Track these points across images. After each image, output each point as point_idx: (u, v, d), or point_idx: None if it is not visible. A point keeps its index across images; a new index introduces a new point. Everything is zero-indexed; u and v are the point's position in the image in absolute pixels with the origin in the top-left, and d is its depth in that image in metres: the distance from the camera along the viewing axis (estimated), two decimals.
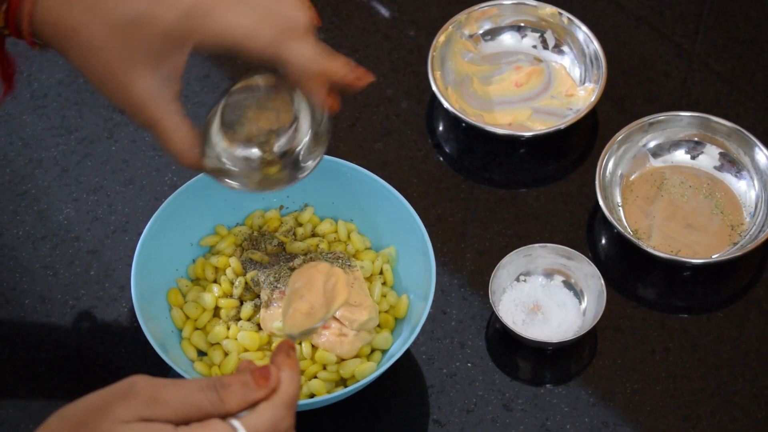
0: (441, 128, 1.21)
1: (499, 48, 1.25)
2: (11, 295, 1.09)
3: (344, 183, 1.06)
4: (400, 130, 1.20)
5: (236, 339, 1.00)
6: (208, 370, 0.99)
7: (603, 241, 1.13)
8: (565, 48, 1.23)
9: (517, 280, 1.08)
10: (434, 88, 1.18)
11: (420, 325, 0.97)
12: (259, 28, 0.88)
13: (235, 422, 0.75)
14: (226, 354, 1.00)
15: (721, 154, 1.16)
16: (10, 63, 0.94)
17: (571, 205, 1.15)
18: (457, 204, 1.15)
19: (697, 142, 1.17)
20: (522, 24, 1.25)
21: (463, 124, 1.18)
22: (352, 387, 0.96)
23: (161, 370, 0.97)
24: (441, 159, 1.18)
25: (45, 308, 1.08)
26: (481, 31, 1.24)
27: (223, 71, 1.23)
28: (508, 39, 1.25)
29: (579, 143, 1.20)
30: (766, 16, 1.29)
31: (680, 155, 1.17)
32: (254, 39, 0.88)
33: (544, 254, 1.08)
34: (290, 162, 0.91)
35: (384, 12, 1.30)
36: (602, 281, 1.05)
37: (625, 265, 1.11)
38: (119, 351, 1.06)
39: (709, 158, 1.16)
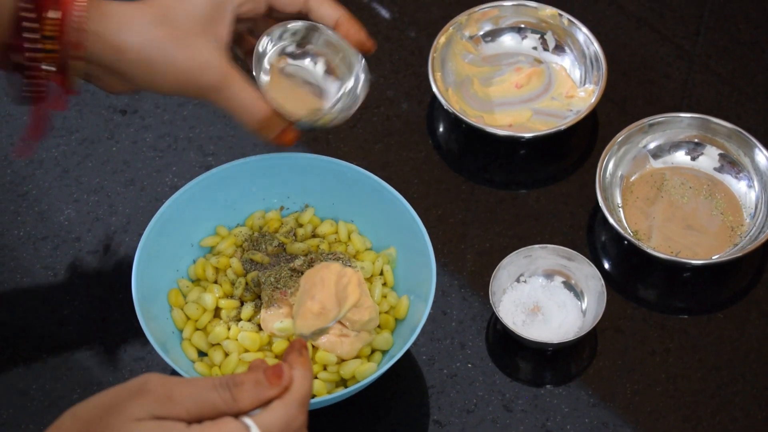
0: (441, 129, 1.21)
1: (500, 49, 1.25)
2: (12, 296, 1.09)
3: (345, 184, 1.06)
4: (400, 131, 1.20)
5: (237, 339, 1.00)
6: (208, 371, 1.00)
7: (603, 242, 1.13)
8: (565, 49, 1.23)
9: (518, 280, 1.08)
10: (435, 89, 1.18)
11: (420, 326, 0.97)
12: None
13: (248, 420, 0.76)
14: (226, 354, 1.00)
15: (721, 155, 1.16)
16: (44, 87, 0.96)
17: (572, 206, 1.16)
18: (458, 205, 1.15)
19: (697, 144, 1.17)
20: (522, 25, 1.25)
21: (464, 126, 1.18)
22: (353, 387, 0.96)
23: (162, 370, 0.98)
24: (441, 160, 1.18)
25: (46, 308, 1.08)
26: (481, 33, 1.24)
27: None
28: (508, 40, 1.25)
29: (579, 144, 1.20)
30: (766, 18, 1.29)
31: (680, 156, 1.17)
32: None
33: (544, 255, 1.08)
34: (340, 103, 1.03)
35: (384, 13, 1.30)
36: (602, 282, 1.05)
37: (625, 266, 1.12)
38: (120, 351, 1.06)
39: (709, 159, 1.16)
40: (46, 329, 1.07)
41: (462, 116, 1.16)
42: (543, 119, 1.19)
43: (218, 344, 1.01)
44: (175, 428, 0.74)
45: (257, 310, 1.02)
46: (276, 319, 1.00)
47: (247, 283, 1.03)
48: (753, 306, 1.10)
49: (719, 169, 1.16)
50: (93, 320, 1.08)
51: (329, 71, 1.04)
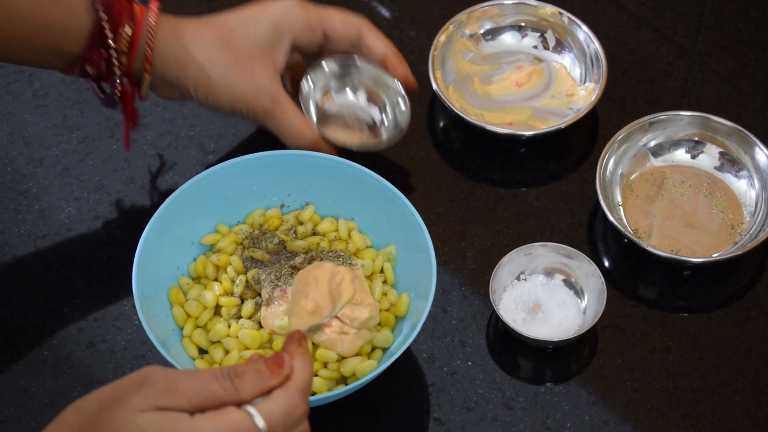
0: (441, 127, 1.21)
1: (500, 48, 1.25)
2: (12, 294, 1.09)
3: (345, 181, 1.06)
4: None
5: (237, 337, 1.00)
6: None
7: (603, 241, 1.13)
8: (565, 48, 1.23)
9: (518, 278, 1.08)
10: (435, 87, 1.18)
11: (420, 324, 0.97)
12: (346, 20, 1.10)
13: (251, 409, 0.76)
14: (227, 352, 1.00)
15: (721, 153, 1.16)
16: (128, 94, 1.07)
17: (572, 205, 1.16)
18: (458, 203, 1.15)
19: (697, 142, 1.17)
20: (523, 24, 1.25)
21: (464, 124, 1.18)
22: (353, 385, 0.96)
23: None
24: (441, 158, 1.18)
25: (46, 307, 1.09)
26: (481, 31, 1.25)
27: None
28: (508, 39, 1.25)
29: (579, 143, 1.20)
30: (766, 17, 1.29)
31: (680, 155, 1.17)
32: (344, 29, 1.10)
33: (544, 253, 1.08)
34: (387, 128, 1.13)
35: (385, 12, 1.30)
36: (602, 280, 1.05)
37: (625, 264, 1.12)
38: (121, 349, 1.06)
39: (709, 158, 1.16)
40: (46, 327, 1.08)
41: (462, 114, 1.17)
42: (543, 117, 1.19)
43: (219, 342, 1.01)
44: (178, 418, 0.75)
45: (257, 307, 1.02)
46: (276, 317, 1.00)
47: (247, 281, 1.03)
48: (753, 304, 1.10)
49: (719, 168, 1.16)
50: (93, 318, 1.08)
51: (371, 100, 1.14)
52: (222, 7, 1.29)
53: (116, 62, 1.03)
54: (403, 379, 1.05)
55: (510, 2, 1.24)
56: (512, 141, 1.19)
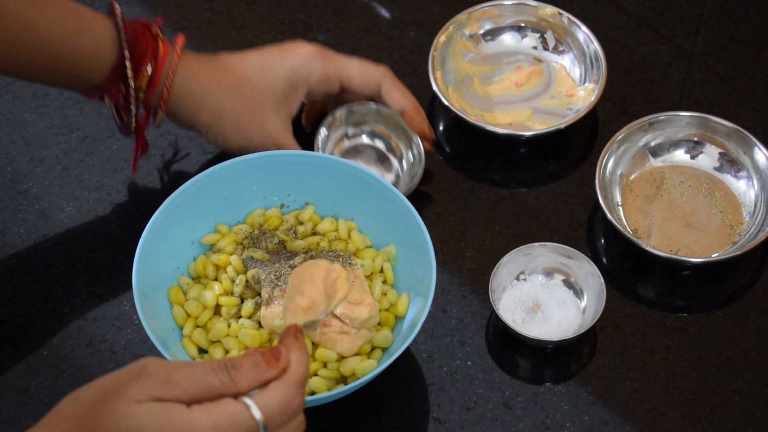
0: (441, 128, 1.21)
1: (500, 48, 1.25)
2: (13, 293, 1.09)
3: (345, 181, 1.06)
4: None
5: (237, 337, 1.00)
6: None
7: (603, 241, 1.13)
8: (565, 48, 1.24)
9: (517, 278, 1.08)
10: (435, 87, 1.18)
11: (420, 324, 0.97)
12: (365, 72, 1.12)
13: (248, 400, 0.76)
14: (226, 351, 1.01)
15: (720, 153, 1.16)
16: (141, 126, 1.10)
17: (571, 205, 1.16)
18: (458, 203, 1.15)
19: (696, 142, 1.17)
20: (522, 24, 1.25)
21: (464, 124, 1.19)
22: (353, 384, 0.96)
23: None
24: (441, 158, 1.19)
25: (46, 306, 1.09)
26: (481, 31, 1.25)
27: None
28: (508, 39, 1.25)
29: (579, 143, 1.20)
30: (766, 17, 1.29)
31: (680, 155, 1.17)
32: (362, 83, 1.12)
33: (544, 253, 1.08)
34: (402, 176, 1.15)
35: (384, 13, 1.30)
36: (602, 280, 1.06)
37: (624, 264, 1.12)
38: (121, 349, 1.07)
39: (708, 158, 1.17)
40: (46, 326, 1.08)
41: (462, 115, 1.17)
42: (543, 118, 1.19)
43: (218, 341, 1.01)
44: (175, 409, 0.75)
45: (257, 307, 1.02)
46: (276, 317, 1.00)
47: (247, 281, 1.03)
48: (752, 304, 1.10)
49: (719, 168, 1.16)
50: (93, 317, 1.08)
51: (387, 147, 1.16)
52: (221, 8, 1.29)
53: (133, 97, 1.05)
54: (403, 379, 1.05)
55: (510, 3, 1.24)
56: (512, 141, 1.19)
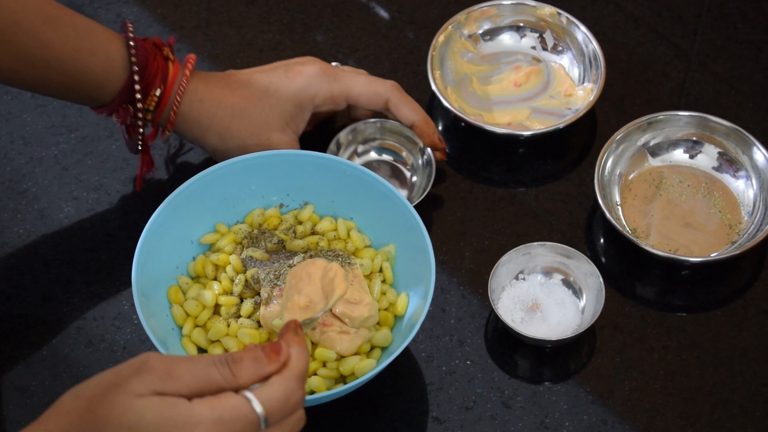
0: (440, 127, 1.21)
1: (499, 48, 1.25)
2: (12, 293, 1.09)
3: (344, 181, 1.06)
4: None
5: (236, 336, 1.01)
6: None
7: (602, 240, 1.14)
8: (563, 48, 1.24)
9: (516, 278, 1.09)
10: (434, 87, 1.18)
11: (419, 323, 0.97)
12: (372, 90, 1.11)
13: (249, 394, 0.76)
14: (226, 351, 1.01)
15: (719, 153, 1.16)
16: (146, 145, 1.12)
17: (570, 204, 1.16)
18: (457, 203, 1.16)
19: (695, 142, 1.17)
20: (521, 24, 1.25)
21: (463, 124, 1.19)
22: (352, 384, 0.96)
23: None
24: (433, 155, 1.19)
25: (45, 306, 1.09)
26: (480, 31, 1.25)
27: None
28: (507, 39, 1.25)
29: (578, 143, 1.20)
30: (764, 17, 1.29)
31: (679, 155, 1.17)
32: (368, 101, 1.12)
33: (543, 253, 1.08)
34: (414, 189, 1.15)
35: (383, 13, 1.30)
36: (601, 280, 1.06)
37: (623, 263, 1.12)
38: (120, 348, 1.07)
39: (707, 158, 1.17)
40: (45, 326, 1.08)
41: (461, 114, 1.17)
42: (541, 118, 1.19)
43: (218, 341, 1.01)
44: (177, 403, 0.75)
45: (257, 306, 1.02)
46: (275, 316, 1.00)
47: (246, 280, 1.03)
48: (751, 304, 1.10)
49: (717, 168, 1.16)
50: (92, 317, 1.08)
51: (397, 160, 1.16)
52: (220, 8, 1.29)
53: (141, 118, 1.07)
54: (402, 379, 1.05)
55: (508, 3, 1.24)
56: (511, 141, 1.19)
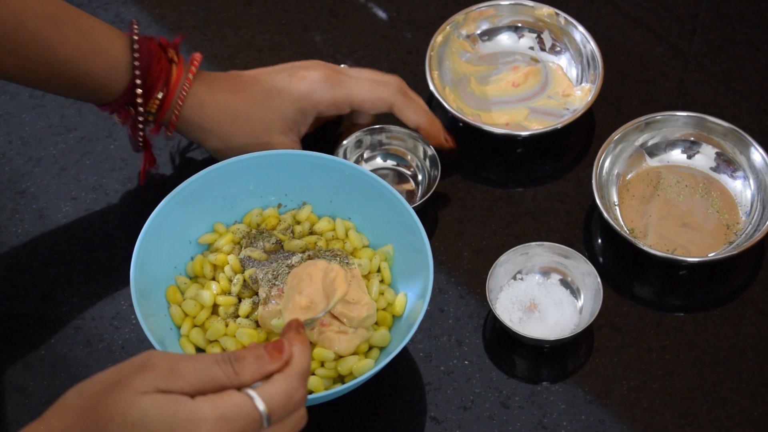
0: None
1: (497, 48, 1.25)
2: (11, 293, 1.09)
3: (342, 181, 1.06)
4: None
5: (234, 336, 1.01)
6: None
7: (599, 240, 1.14)
8: (561, 48, 1.24)
9: (514, 278, 1.09)
10: (432, 87, 1.18)
11: (417, 323, 0.97)
12: (375, 95, 1.11)
13: (252, 392, 0.77)
14: (224, 351, 1.00)
15: (717, 153, 1.16)
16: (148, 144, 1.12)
17: (568, 204, 1.16)
18: (455, 203, 1.16)
19: (693, 142, 1.17)
20: (519, 24, 1.25)
21: (461, 124, 1.19)
22: (350, 384, 0.96)
23: None
24: (438, 158, 1.19)
25: (44, 306, 1.09)
26: (478, 32, 1.25)
27: None
28: (505, 39, 1.25)
29: (576, 143, 1.20)
30: (761, 18, 1.30)
31: (676, 155, 1.17)
32: (372, 106, 1.11)
33: (541, 253, 1.09)
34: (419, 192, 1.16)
35: (381, 13, 1.30)
36: (599, 279, 1.06)
37: (621, 263, 1.12)
38: (118, 348, 1.07)
39: (705, 158, 1.17)
40: (44, 326, 1.08)
41: (459, 115, 1.17)
42: (539, 118, 1.20)
43: (216, 341, 1.01)
44: (180, 400, 0.75)
45: (255, 306, 1.02)
46: (273, 316, 1.00)
47: (244, 280, 1.03)
48: (748, 303, 1.10)
49: (715, 168, 1.16)
50: (91, 317, 1.08)
51: (404, 163, 1.16)
52: (218, 8, 1.29)
53: (142, 119, 1.07)
54: (400, 379, 1.05)
55: (507, 3, 1.25)
56: (509, 141, 1.19)
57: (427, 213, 1.14)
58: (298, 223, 1.08)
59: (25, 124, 1.20)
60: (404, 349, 1.04)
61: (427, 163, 1.15)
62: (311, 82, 1.10)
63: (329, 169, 1.07)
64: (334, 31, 1.29)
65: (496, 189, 1.17)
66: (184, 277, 1.05)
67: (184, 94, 1.07)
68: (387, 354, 0.99)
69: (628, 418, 1.03)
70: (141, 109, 1.06)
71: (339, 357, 0.99)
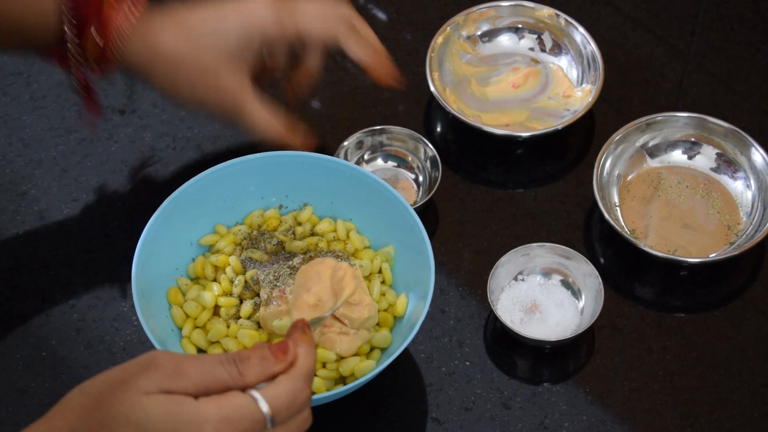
0: (439, 129, 1.21)
1: (497, 49, 1.25)
2: (12, 295, 1.09)
3: (343, 182, 1.06)
4: None
5: (236, 337, 1.01)
6: None
7: (600, 241, 1.14)
8: (562, 49, 1.24)
9: (515, 279, 1.09)
10: (432, 89, 1.19)
11: (419, 324, 0.97)
12: (322, 22, 1.06)
13: (255, 393, 0.76)
14: (225, 352, 1.00)
15: (717, 154, 1.16)
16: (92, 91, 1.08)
17: (569, 205, 1.16)
18: (455, 204, 1.16)
19: (693, 143, 1.17)
20: (519, 25, 1.25)
21: (461, 125, 1.19)
22: (352, 385, 0.96)
23: None
24: (439, 159, 1.19)
25: (45, 307, 1.09)
26: (478, 33, 1.25)
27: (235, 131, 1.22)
28: (505, 40, 1.25)
29: (576, 144, 1.20)
30: (761, 18, 1.30)
31: (677, 155, 1.17)
32: (318, 34, 1.06)
33: (542, 254, 1.09)
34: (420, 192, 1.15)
35: (381, 15, 1.30)
36: (600, 280, 1.06)
37: (622, 264, 1.12)
38: (120, 349, 1.07)
39: (705, 158, 1.17)
40: (45, 328, 1.08)
41: (459, 116, 1.17)
42: (540, 119, 1.20)
43: (217, 342, 1.01)
44: (184, 401, 0.75)
45: (256, 308, 1.02)
46: (275, 317, 1.00)
47: (246, 281, 1.03)
48: (749, 304, 1.10)
49: (716, 169, 1.16)
50: (92, 318, 1.08)
51: (405, 164, 1.16)
52: None
53: (75, 61, 1.03)
54: (402, 379, 1.05)
55: (507, 4, 1.25)
56: (509, 142, 1.19)
57: (428, 214, 1.14)
58: (300, 224, 1.08)
59: (25, 126, 1.20)
60: (405, 350, 1.04)
61: (428, 164, 1.15)
62: (255, 9, 1.06)
63: (330, 170, 1.07)
64: None
65: (496, 190, 1.17)
66: (185, 278, 1.05)
67: (122, 32, 1.03)
68: (388, 355, 0.99)
69: (630, 418, 1.03)
70: (75, 49, 1.02)
71: (341, 358, 0.99)
